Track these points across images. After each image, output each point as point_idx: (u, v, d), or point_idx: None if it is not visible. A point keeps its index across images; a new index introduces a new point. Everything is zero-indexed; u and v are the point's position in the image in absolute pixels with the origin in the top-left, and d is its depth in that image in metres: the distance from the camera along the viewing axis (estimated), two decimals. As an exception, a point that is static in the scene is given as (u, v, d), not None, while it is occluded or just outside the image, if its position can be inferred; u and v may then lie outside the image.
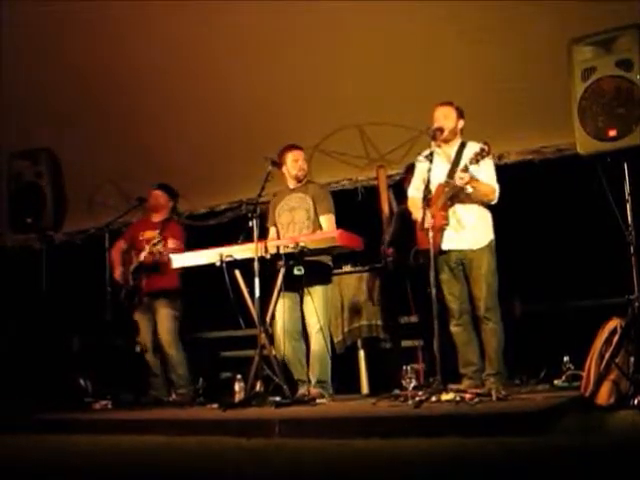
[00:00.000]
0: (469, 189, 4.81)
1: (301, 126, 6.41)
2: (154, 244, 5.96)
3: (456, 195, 4.83)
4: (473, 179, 4.72)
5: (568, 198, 5.85)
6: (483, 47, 5.68)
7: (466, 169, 4.69)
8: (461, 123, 5.01)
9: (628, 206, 4.49)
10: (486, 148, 4.65)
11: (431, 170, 4.74)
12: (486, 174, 4.84)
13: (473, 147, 4.85)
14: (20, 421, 5.15)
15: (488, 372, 4.79)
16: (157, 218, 6.42)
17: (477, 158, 4.65)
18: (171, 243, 6.12)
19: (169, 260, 5.70)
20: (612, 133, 4.45)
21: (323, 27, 5.92)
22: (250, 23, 5.97)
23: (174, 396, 6.15)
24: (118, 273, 6.34)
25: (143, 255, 6.05)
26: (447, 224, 4.85)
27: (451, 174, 4.84)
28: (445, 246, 4.89)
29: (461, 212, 4.89)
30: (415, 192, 5.05)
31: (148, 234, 6.23)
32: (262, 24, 5.97)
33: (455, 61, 5.92)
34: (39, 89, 6.72)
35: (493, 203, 4.89)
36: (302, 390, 5.35)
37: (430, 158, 4.78)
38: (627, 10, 4.75)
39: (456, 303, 4.91)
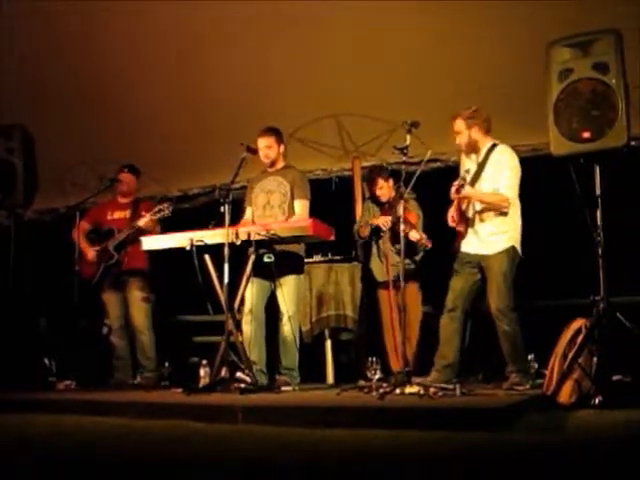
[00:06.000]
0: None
1: (279, 113, 6.37)
2: (156, 212, 5.88)
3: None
4: (469, 194, 4.83)
5: (539, 197, 5.88)
6: (460, 45, 5.71)
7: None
8: (474, 132, 4.91)
9: (598, 207, 4.53)
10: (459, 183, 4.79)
11: None
12: (496, 182, 4.84)
13: (498, 154, 4.88)
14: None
15: (509, 369, 4.79)
16: (125, 199, 6.36)
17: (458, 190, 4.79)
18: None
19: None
20: (586, 135, 4.47)
21: (304, 19, 5.90)
22: (233, 13, 5.94)
23: (139, 379, 6.10)
24: (92, 254, 6.20)
25: (144, 221, 5.91)
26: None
27: (474, 179, 4.87)
28: (463, 248, 4.97)
29: (478, 222, 4.92)
30: None
31: (118, 214, 6.17)
32: (245, 14, 5.94)
33: (433, 58, 5.94)
34: (20, 66, 6.63)
35: (506, 211, 4.83)
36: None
37: (405, 152, 4.80)
38: (601, 14, 4.78)
39: (451, 295, 4.94)
